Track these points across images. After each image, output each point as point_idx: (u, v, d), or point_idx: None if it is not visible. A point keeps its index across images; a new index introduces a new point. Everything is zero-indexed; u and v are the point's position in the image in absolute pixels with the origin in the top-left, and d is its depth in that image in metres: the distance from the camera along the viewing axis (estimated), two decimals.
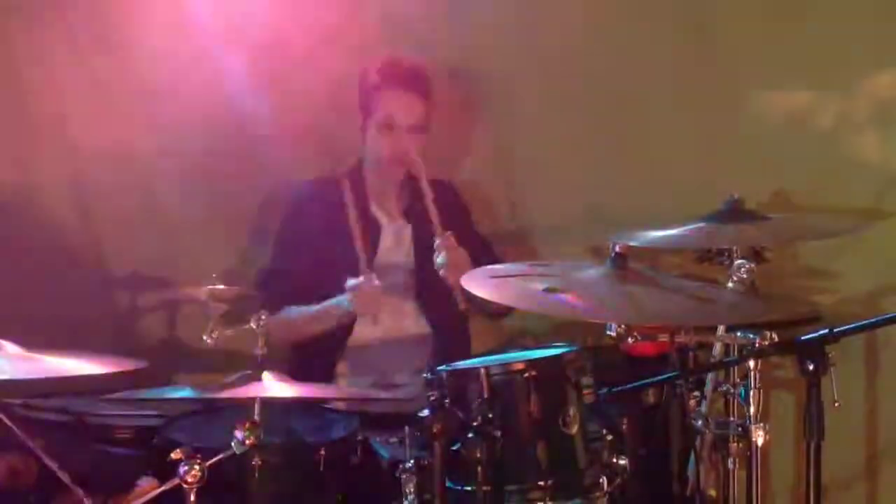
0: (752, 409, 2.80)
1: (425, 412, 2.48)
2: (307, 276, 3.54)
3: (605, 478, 2.60)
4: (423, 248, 3.54)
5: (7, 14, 3.84)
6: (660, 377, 2.88)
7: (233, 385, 2.86)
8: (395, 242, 3.68)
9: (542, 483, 2.52)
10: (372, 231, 3.59)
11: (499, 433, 2.51)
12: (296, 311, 3.52)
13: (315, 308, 3.50)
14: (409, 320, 3.67)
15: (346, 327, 3.57)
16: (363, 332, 3.58)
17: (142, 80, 3.85)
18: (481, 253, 3.59)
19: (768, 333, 2.79)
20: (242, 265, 3.95)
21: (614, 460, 2.62)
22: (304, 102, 3.90)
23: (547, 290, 2.59)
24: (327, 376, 3.56)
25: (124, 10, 3.81)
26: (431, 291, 3.57)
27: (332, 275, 3.44)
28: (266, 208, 3.98)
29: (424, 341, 3.65)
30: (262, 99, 3.87)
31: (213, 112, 3.87)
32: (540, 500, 2.52)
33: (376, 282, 3.36)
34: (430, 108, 3.61)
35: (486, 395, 2.53)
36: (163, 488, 2.55)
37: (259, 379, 2.82)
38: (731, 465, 2.97)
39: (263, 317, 2.94)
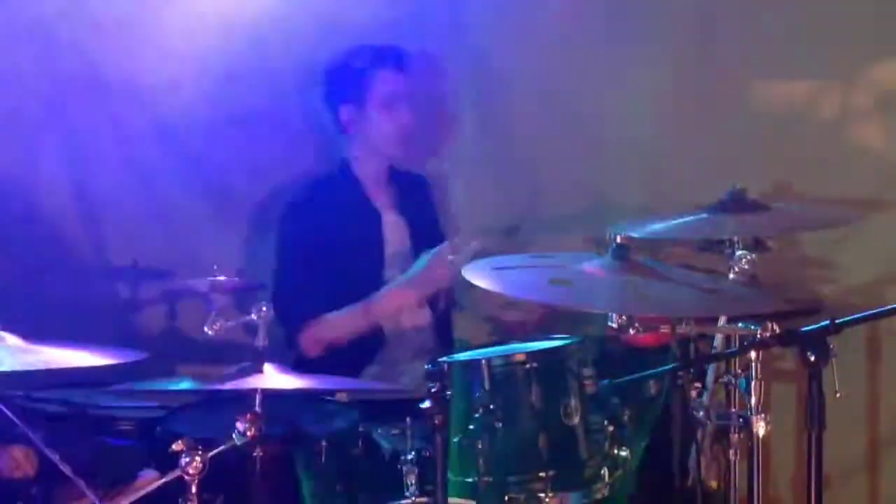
0: (753, 400, 2.79)
1: (427, 403, 2.48)
2: (320, 283, 3.50)
3: (606, 469, 2.60)
4: (420, 238, 3.62)
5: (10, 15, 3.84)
6: (661, 368, 2.87)
7: (234, 376, 2.86)
8: (393, 233, 3.69)
9: (543, 474, 2.53)
10: (376, 222, 3.63)
11: (500, 424, 2.51)
12: (342, 312, 3.46)
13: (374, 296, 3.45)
14: (409, 310, 3.68)
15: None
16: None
17: (144, 75, 3.84)
18: None
19: (770, 324, 2.78)
20: (244, 256, 3.95)
21: (615, 451, 2.62)
22: (304, 97, 3.90)
23: (553, 282, 2.59)
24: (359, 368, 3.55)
25: (127, 8, 3.81)
26: None
27: (345, 276, 3.47)
28: (268, 200, 3.98)
29: (425, 332, 3.66)
30: (262, 94, 3.87)
31: (214, 106, 3.87)
32: (541, 492, 2.52)
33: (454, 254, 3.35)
34: (412, 87, 3.65)
35: (487, 387, 2.53)
36: (164, 480, 2.56)
37: (260, 370, 2.82)
38: (732, 456, 2.97)
39: (264, 308, 2.94)
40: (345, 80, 3.61)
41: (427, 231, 3.72)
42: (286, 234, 3.60)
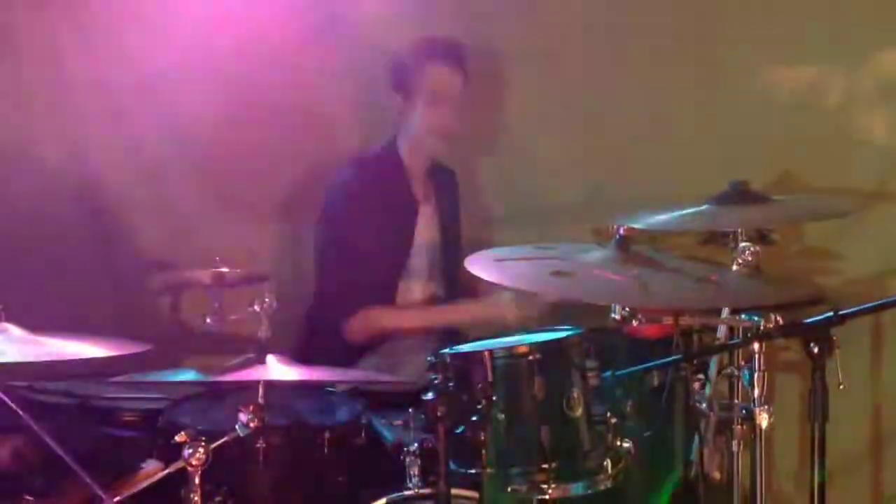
0: (756, 392, 2.80)
1: (429, 395, 2.48)
2: (360, 265, 3.55)
3: (608, 460, 2.60)
4: (447, 231, 3.74)
5: (13, 8, 3.84)
6: (664, 360, 2.87)
7: (237, 368, 2.87)
8: (426, 224, 3.72)
9: (545, 466, 2.52)
10: (412, 210, 3.68)
11: (503, 416, 2.51)
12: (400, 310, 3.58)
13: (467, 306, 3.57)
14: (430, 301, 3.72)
15: None
16: None
17: (148, 64, 3.84)
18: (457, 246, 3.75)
19: (773, 316, 2.78)
20: (247, 248, 3.95)
21: (618, 443, 2.62)
22: (311, 86, 3.90)
23: (555, 274, 2.59)
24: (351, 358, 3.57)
25: (134, 4, 3.81)
26: (454, 273, 3.69)
27: (373, 259, 3.54)
28: (271, 193, 3.98)
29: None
30: (268, 84, 3.87)
31: (220, 98, 3.86)
32: (544, 483, 2.52)
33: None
34: (466, 83, 3.66)
35: (490, 378, 2.53)
36: (167, 471, 2.56)
37: (263, 362, 2.82)
38: (735, 448, 2.97)
39: (267, 299, 2.94)
40: (398, 69, 3.64)
41: (452, 225, 3.79)
42: (334, 213, 3.64)
